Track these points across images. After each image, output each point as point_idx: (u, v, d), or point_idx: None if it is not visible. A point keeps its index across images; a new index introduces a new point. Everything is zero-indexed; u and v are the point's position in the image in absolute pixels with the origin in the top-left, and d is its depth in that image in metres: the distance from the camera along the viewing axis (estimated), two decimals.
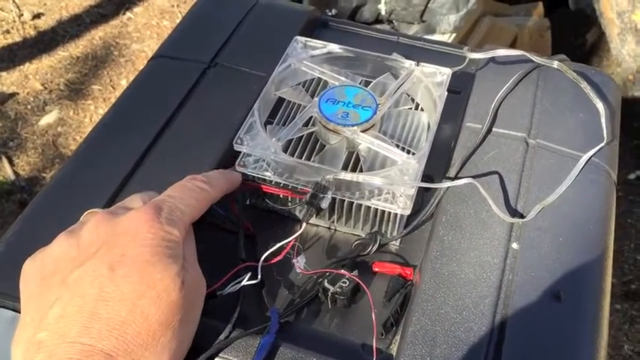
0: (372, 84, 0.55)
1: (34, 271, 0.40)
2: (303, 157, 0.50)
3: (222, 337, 0.41)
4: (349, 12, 2.00)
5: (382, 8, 2.02)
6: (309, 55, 0.57)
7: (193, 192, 0.44)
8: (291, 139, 0.51)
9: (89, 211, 0.44)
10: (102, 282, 0.37)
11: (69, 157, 0.54)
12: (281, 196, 0.49)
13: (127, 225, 0.39)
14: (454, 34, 1.90)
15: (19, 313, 0.43)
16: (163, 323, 0.36)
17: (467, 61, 0.58)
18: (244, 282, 0.44)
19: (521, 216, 0.48)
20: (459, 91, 0.60)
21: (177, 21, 0.69)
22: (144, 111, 0.58)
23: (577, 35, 2.13)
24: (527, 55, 0.57)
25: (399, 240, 0.50)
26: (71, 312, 0.36)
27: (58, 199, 0.51)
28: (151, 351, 0.36)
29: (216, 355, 0.40)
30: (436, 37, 1.90)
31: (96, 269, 0.37)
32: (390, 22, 2.04)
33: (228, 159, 0.52)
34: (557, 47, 1.92)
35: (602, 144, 0.52)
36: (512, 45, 1.85)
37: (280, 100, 0.56)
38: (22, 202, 1.64)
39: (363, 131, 0.50)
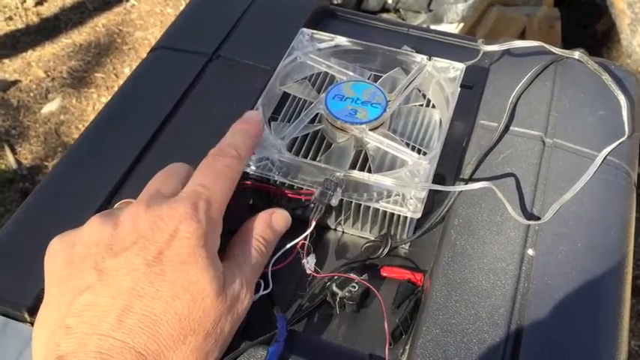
0: (381, 79, 0.52)
1: (62, 252, 0.38)
2: (309, 156, 0.48)
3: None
4: (355, 0, 1.96)
5: None
6: (315, 48, 0.54)
7: (225, 175, 0.41)
8: (297, 137, 0.49)
9: (125, 200, 0.43)
10: (137, 277, 0.35)
11: (68, 150, 0.53)
12: (286, 196, 0.47)
13: (165, 221, 0.37)
14: (462, 24, 1.86)
15: (10, 318, 0.41)
16: (196, 328, 0.35)
17: (481, 54, 0.55)
18: (259, 294, 0.42)
19: (538, 219, 0.46)
20: (471, 85, 0.57)
21: (182, 8, 0.67)
22: (144, 104, 0.55)
23: (586, 26, 2.09)
24: (546, 46, 0.55)
25: (408, 243, 0.48)
26: (104, 302, 0.34)
27: (56, 195, 0.49)
28: (179, 355, 0.34)
29: None
30: (443, 26, 1.87)
31: (131, 262, 0.36)
32: (396, 10, 2.00)
33: None
34: (566, 38, 1.88)
35: (623, 138, 0.50)
36: (522, 36, 1.82)
37: (285, 95, 0.53)
38: (24, 191, 1.63)
39: (372, 129, 0.48)
